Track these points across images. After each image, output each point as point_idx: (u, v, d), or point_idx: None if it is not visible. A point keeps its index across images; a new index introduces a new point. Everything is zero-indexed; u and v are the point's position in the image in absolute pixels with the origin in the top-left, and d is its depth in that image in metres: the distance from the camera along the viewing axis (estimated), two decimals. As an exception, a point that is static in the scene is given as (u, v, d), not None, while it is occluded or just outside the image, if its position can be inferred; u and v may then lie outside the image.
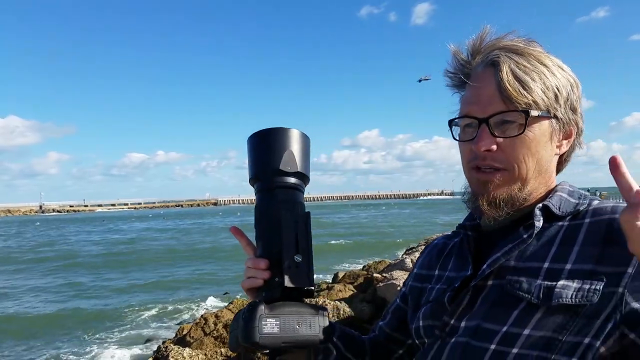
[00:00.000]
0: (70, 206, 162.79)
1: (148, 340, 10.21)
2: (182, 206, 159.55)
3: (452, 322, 0.91)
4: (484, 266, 0.89)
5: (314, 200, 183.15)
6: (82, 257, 25.98)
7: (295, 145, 0.87)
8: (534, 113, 0.85)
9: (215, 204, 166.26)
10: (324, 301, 7.62)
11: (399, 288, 8.80)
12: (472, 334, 0.86)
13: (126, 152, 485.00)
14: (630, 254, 0.68)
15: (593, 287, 0.78)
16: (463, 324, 0.88)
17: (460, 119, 0.93)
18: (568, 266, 0.82)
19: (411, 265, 10.65)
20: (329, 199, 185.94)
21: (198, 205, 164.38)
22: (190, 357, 5.76)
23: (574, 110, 0.90)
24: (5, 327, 11.68)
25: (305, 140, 0.90)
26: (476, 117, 0.88)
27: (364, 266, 13.88)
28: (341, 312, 7.24)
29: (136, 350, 9.76)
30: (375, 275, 10.25)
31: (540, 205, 0.89)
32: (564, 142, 0.92)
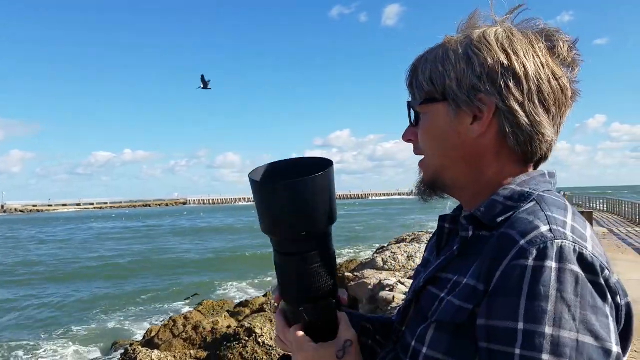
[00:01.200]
0: (34, 206, 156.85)
1: (115, 343, 10.00)
2: (149, 206, 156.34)
3: (403, 329, 0.89)
4: (420, 281, 0.88)
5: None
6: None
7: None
8: (414, 103, 0.88)
9: (184, 203, 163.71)
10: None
11: (369, 287, 8.91)
12: (402, 347, 0.85)
13: (92, 150, 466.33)
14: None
15: (466, 305, 0.74)
16: (406, 334, 0.86)
17: None
18: (464, 280, 0.77)
19: (382, 264, 10.78)
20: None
21: (167, 205, 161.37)
22: (159, 359, 5.67)
23: (476, 89, 0.81)
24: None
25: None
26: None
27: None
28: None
29: (98, 353, 9.57)
30: (346, 274, 10.33)
31: (467, 214, 0.85)
32: (476, 124, 0.82)
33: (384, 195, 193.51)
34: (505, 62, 0.80)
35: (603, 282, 0.69)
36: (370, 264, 10.96)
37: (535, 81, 0.80)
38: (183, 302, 14.15)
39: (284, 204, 0.81)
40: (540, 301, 0.66)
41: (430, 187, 0.91)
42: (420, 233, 19.10)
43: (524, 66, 0.80)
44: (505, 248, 0.71)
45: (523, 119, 0.80)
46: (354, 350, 0.89)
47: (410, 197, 1.00)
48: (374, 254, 14.30)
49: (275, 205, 0.82)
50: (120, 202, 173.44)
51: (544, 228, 0.71)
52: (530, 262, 0.68)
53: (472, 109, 0.82)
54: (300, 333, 0.91)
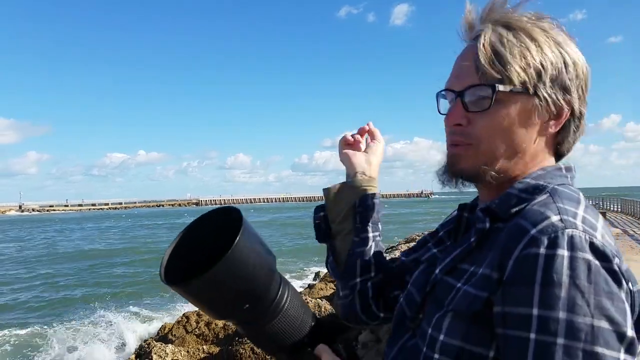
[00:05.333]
0: (50, 206, 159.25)
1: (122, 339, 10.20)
2: (162, 206, 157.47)
3: (419, 316, 0.89)
4: (437, 270, 0.89)
5: (297, 200, 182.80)
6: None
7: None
8: (503, 88, 0.81)
9: (197, 204, 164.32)
10: (305, 298, 7.74)
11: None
12: (420, 335, 0.85)
13: (106, 152, 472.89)
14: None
15: (481, 294, 0.75)
16: (423, 322, 0.86)
17: (447, 93, 0.91)
18: (480, 270, 0.78)
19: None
20: (311, 200, 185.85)
21: (179, 205, 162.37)
22: (173, 353, 5.83)
23: (565, 90, 0.83)
24: None
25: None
26: (453, 90, 0.87)
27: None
28: (322, 309, 7.36)
29: (114, 347, 9.79)
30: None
31: (484, 206, 0.86)
32: (550, 123, 0.85)
33: (394, 196, 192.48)
34: (585, 67, 0.86)
35: (617, 269, 0.69)
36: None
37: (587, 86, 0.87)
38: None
39: (211, 297, 0.76)
40: (553, 287, 0.67)
41: (471, 178, 0.88)
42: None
43: (585, 69, 0.86)
44: (517, 237, 0.73)
45: (583, 122, 0.87)
46: None
47: (421, 197, 1.03)
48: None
49: (204, 300, 0.78)
50: (135, 202, 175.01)
51: (555, 218, 0.72)
52: (542, 250, 0.69)
53: (556, 107, 0.83)
54: None
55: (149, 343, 6.31)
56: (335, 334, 0.95)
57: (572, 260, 0.68)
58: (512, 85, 0.81)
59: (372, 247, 1.10)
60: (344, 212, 1.12)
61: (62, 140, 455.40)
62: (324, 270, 12.93)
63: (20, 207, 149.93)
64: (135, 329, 10.83)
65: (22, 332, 11.49)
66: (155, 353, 5.68)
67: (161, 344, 6.07)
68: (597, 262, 0.69)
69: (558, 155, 0.91)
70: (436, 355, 0.78)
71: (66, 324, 11.71)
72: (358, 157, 1.17)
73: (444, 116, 0.90)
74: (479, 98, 0.83)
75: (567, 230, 0.70)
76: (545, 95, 0.82)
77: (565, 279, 0.67)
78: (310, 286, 12.37)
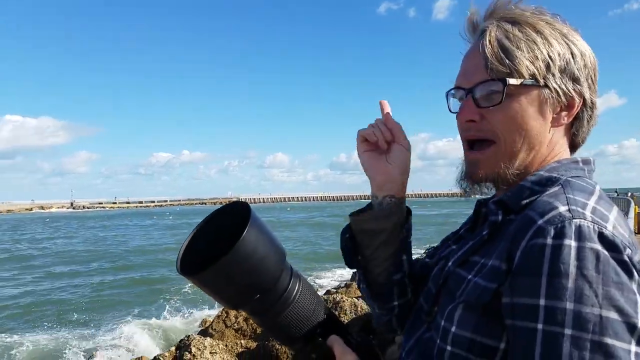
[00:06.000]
0: (99, 203, 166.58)
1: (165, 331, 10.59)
2: (205, 204, 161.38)
3: (435, 309, 0.89)
4: (449, 263, 0.89)
5: (335, 199, 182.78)
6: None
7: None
8: (514, 82, 0.81)
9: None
10: (341, 298, 7.76)
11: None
12: (434, 327, 0.85)
13: (152, 151, 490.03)
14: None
15: (490, 285, 0.75)
16: (437, 314, 0.86)
17: (456, 91, 0.91)
18: (489, 262, 0.78)
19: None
20: (349, 199, 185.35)
21: (221, 203, 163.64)
22: (212, 346, 5.99)
23: (575, 80, 0.83)
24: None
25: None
26: (463, 87, 0.87)
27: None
28: (359, 309, 7.35)
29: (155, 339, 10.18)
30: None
31: (496, 199, 0.86)
32: (563, 114, 0.85)
33: (436, 195, 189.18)
34: (592, 57, 0.85)
35: (628, 259, 0.68)
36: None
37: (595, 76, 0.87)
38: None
39: (221, 286, 0.80)
40: (560, 278, 0.67)
41: (494, 181, 0.87)
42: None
43: (592, 59, 0.86)
44: (524, 228, 0.73)
45: (595, 112, 0.87)
46: None
47: (462, 198, 0.99)
48: (423, 253, 14.10)
49: (216, 289, 0.81)
50: (179, 200, 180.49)
51: (563, 208, 0.72)
52: (549, 240, 0.69)
53: (567, 98, 0.83)
54: None
55: (189, 335, 6.50)
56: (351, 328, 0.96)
57: (580, 250, 0.67)
58: (522, 78, 0.81)
59: (406, 269, 1.03)
60: (376, 243, 0.99)
61: (111, 141, 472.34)
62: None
63: (71, 204, 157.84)
64: (175, 324, 11.26)
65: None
66: (194, 346, 5.86)
67: (200, 337, 6.24)
68: (606, 253, 0.68)
69: (573, 146, 0.91)
70: (449, 347, 0.78)
71: (118, 318, 12.25)
72: (383, 171, 0.98)
73: (456, 115, 0.90)
74: (490, 93, 0.83)
75: (574, 221, 0.70)
76: (556, 86, 0.82)
77: (572, 269, 0.66)
78: (347, 285, 12.37)
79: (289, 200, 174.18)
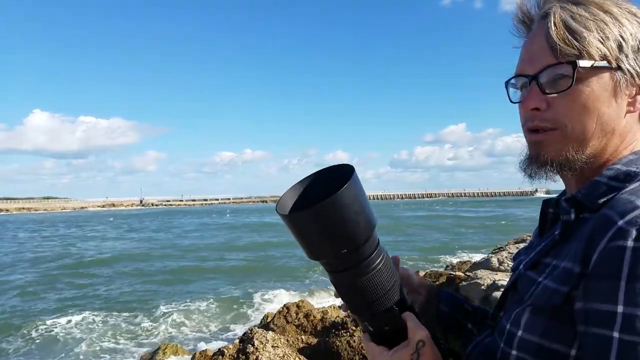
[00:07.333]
0: (167, 201, 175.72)
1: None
2: (266, 202, 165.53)
3: (500, 314, 0.87)
4: (521, 266, 0.85)
5: (396, 197, 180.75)
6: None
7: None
8: (584, 64, 0.75)
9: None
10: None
11: (482, 287, 8.53)
12: (498, 331, 0.83)
13: (216, 151, 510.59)
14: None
15: (561, 288, 0.71)
16: (503, 318, 0.84)
17: (517, 79, 0.85)
18: (561, 264, 0.74)
19: (497, 265, 10.21)
20: (410, 197, 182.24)
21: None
22: (274, 340, 6.07)
23: None
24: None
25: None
26: (526, 74, 0.82)
27: (447, 266, 13.58)
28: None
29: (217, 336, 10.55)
30: (457, 273, 9.99)
31: (569, 196, 0.81)
32: (638, 98, 0.79)
33: (504, 194, 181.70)
34: None
35: None
36: (484, 264, 10.43)
37: None
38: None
39: (314, 231, 0.79)
40: None
41: (561, 165, 0.81)
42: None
43: None
44: (603, 229, 0.68)
45: None
46: (428, 350, 0.83)
47: (535, 196, 0.91)
48: (489, 254, 13.60)
49: (307, 234, 0.80)
50: (242, 198, 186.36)
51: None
52: (630, 242, 0.64)
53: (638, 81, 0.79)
54: (371, 344, 0.89)
55: (252, 329, 6.64)
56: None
57: None
58: (593, 59, 0.76)
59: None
60: None
61: (177, 140, 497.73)
62: (423, 270, 12.61)
63: (141, 201, 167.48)
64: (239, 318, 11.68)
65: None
66: (257, 339, 5.96)
67: (262, 331, 6.36)
68: None
69: None
70: (514, 352, 0.75)
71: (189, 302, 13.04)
72: None
73: (518, 104, 0.85)
74: (558, 78, 0.78)
75: None
76: (629, 67, 0.77)
77: None
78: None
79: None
